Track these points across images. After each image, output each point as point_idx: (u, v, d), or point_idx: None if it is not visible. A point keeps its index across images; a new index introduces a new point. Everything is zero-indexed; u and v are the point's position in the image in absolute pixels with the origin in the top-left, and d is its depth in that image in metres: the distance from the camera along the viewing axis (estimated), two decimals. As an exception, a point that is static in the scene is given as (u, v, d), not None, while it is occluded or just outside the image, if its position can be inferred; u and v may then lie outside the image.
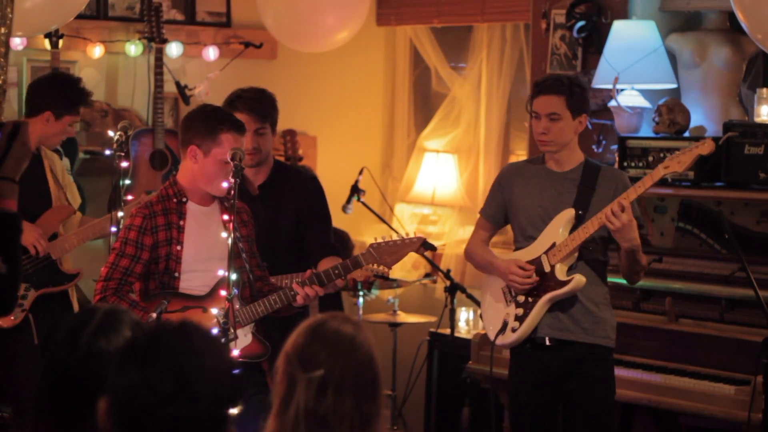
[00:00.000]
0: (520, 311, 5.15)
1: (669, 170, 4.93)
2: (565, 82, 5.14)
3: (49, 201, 5.68)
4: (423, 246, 5.12)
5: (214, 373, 2.37)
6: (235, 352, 4.78)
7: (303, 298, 4.92)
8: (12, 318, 5.48)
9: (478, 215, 5.40)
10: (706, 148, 4.91)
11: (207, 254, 4.88)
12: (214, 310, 4.84)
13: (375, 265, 5.16)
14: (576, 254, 5.07)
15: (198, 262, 4.87)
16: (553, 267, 5.08)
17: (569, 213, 5.08)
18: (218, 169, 4.81)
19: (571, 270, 5.08)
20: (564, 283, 5.05)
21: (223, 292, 4.72)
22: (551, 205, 5.13)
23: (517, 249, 5.25)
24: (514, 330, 5.15)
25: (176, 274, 4.87)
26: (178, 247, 4.86)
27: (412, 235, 5.11)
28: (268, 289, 5.04)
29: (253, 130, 5.33)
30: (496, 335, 5.21)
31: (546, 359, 5.13)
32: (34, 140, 5.59)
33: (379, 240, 5.07)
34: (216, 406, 2.36)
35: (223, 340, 4.57)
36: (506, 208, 5.26)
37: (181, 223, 4.88)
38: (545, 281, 5.10)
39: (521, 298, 5.16)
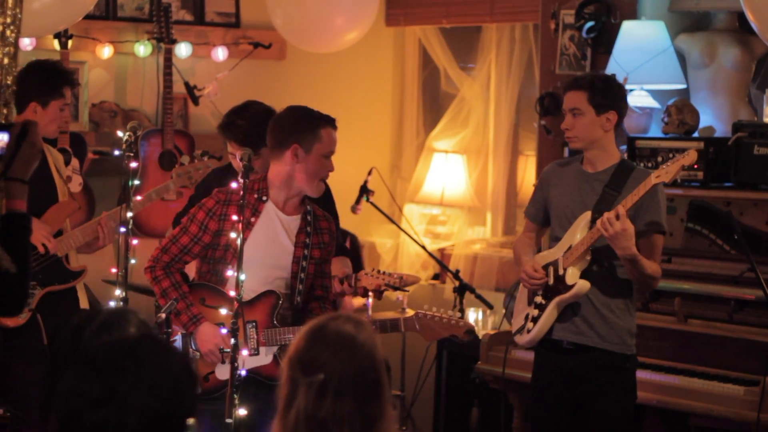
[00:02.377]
0: (536, 313, 5.16)
1: (659, 179, 4.90)
2: (587, 78, 5.15)
3: (55, 196, 5.65)
4: (466, 333, 5.11)
5: (152, 383, 2.33)
6: (244, 352, 4.77)
7: None
8: (19, 317, 5.46)
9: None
10: (688, 159, 4.88)
11: (268, 260, 4.86)
12: (222, 311, 4.84)
13: (387, 275, 5.16)
14: (588, 258, 5.04)
15: (254, 264, 4.79)
16: (565, 270, 5.07)
17: (586, 216, 5.05)
18: (320, 165, 4.85)
19: (585, 274, 5.06)
20: (569, 288, 5.05)
21: (232, 292, 4.72)
22: (577, 207, 5.11)
23: (549, 249, 5.26)
24: (528, 331, 5.17)
25: (229, 266, 4.86)
26: (239, 241, 4.86)
27: (461, 319, 5.09)
28: (318, 310, 4.96)
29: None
30: (515, 333, 5.27)
31: (563, 362, 5.13)
32: None
33: (428, 312, 5.06)
34: (153, 417, 2.33)
35: (233, 341, 4.57)
36: (546, 207, 5.27)
37: (252, 219, 4.88)
38: (558, 284, 5.09)
39: (538, 300, 5.16)
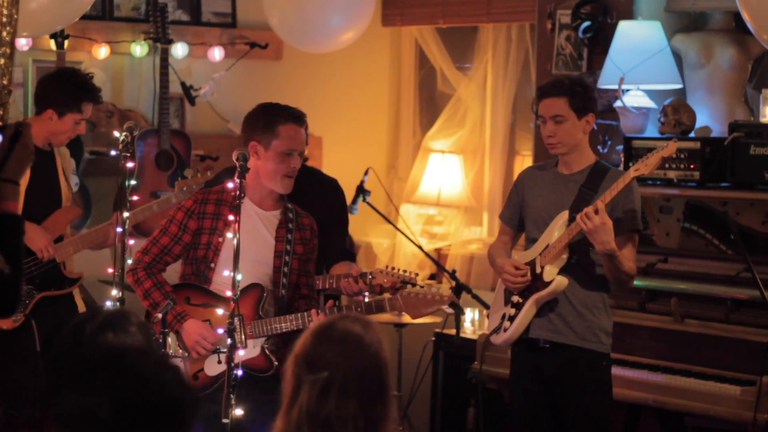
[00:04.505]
0: (512, 311, 5.17)
1: (639, 172, 4.91)
2: (566, 83, 5.14)
3: (59, 201, 5.64)
4: (451, 306, 5.11)
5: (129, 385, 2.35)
6: (241, 353, 4.77)
7: None
8: (13, 320, 5.46)
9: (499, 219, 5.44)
10: (668, 150, 4.91)
11: (249, 254, 4.81)
12: (219, 311, 4.84)
13: (402, 271, 5.16)
14: (565, 256, 5.04)
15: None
16: (542, 268, 5.08)
17: (563, 215, 5.07)
18: (279, 162, 4.83)
19: (562, 272, 5.06)
20: (547, 284, 5.05)
21: (228, 292, 4.72)
22: (553, 207, 5.13)
23: (525, 251, 5.26)
24: (505, 330, 5.18)
25: (212, 265, 4.88)
26: (220, 239, 4.86)
27: (443, 293, 5.06)
28: (305, 308, 4.97)
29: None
30: (491, 333, 5.29)
31: (540, 360, 5.14)
32: (43, 138, 5.54)
33: (410, 289, 5.04)
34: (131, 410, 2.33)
35: (229, 341, 4.57)
36: (521, 211, 5.27)
37: (232, 217, 4.90)
38: (535, 283, 5.11)
39: (515, 299, 5.17)
